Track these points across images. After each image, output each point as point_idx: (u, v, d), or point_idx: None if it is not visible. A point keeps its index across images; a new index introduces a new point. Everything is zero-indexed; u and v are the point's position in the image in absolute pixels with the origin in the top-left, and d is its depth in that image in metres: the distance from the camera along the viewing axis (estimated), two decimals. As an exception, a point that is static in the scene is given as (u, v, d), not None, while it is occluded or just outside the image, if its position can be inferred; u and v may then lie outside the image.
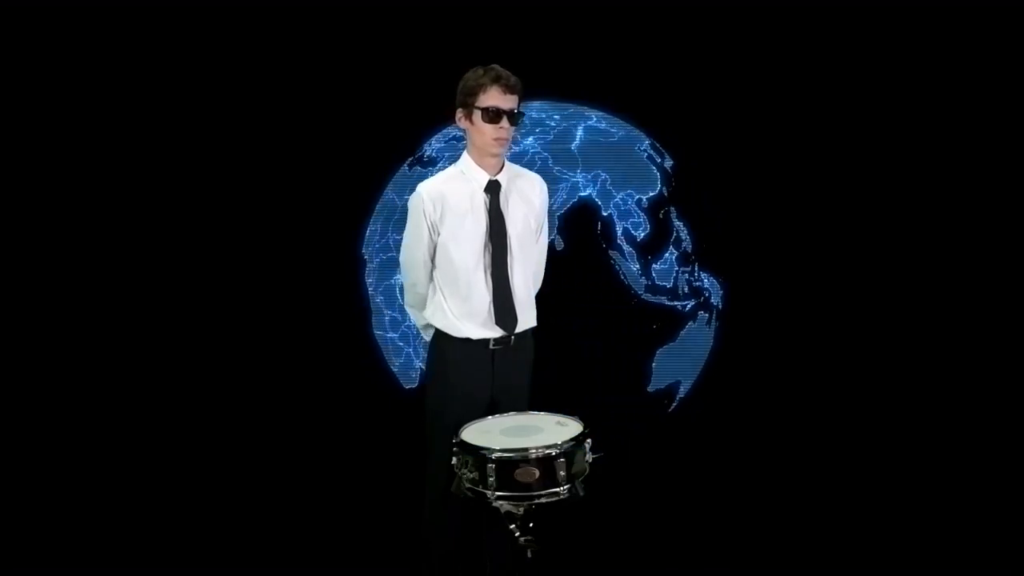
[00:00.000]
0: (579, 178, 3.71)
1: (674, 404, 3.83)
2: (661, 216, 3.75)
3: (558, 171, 3.69)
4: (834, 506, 3.58)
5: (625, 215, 3.73)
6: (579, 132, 3.73)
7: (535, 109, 3.67)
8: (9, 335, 3.70)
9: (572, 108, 3.75)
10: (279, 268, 3.78)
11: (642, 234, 3.74)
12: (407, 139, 3.74)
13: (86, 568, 3.25)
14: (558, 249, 3.62)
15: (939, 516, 3.48)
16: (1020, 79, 3.70)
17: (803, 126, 3.77)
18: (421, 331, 2.84)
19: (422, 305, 2.73)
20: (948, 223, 3.79)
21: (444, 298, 2.64)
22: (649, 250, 3.74)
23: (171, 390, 3.79)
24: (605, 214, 3.72)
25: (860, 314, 3.83)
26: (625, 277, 3.73)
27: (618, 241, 3.73)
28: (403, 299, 2.99)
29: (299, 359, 3.80)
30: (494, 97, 2.52)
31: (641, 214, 3.73)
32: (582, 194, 3.71)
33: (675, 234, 3.76)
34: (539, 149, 3.69)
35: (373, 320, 3.79)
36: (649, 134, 3.78)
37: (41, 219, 3.70)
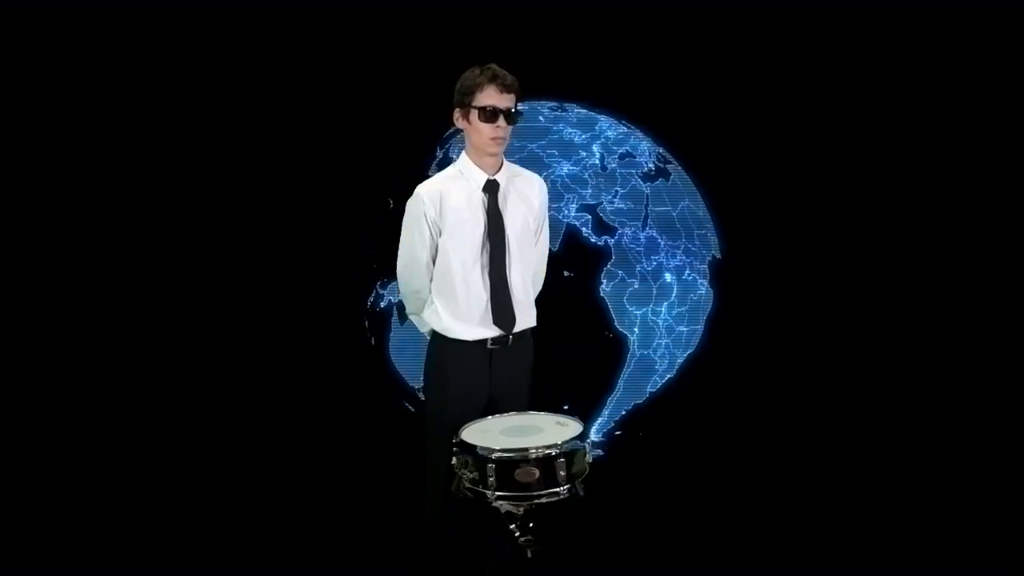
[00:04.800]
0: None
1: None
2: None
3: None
4: (834, 506, 3.58)
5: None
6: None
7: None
8: (9, 335, 3.70)
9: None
10: (279, 268, 3.78)
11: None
12: (407, 140, 3.74)
13: (86, 568, 3.25)
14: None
15: (939, 516, 3.48)
16: (1020, 79, 3.71)
17: (800, 126, 3.77)
18: (426, 336, 2.78)
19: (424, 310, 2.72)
20: (947, 223, 3.80)
21: (441, 298, 2.64)
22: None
23: (171, 390, 3.78)
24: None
25: (858, 315, 3.83)
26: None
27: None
28: (406, 309, 2.83)
29: (299, 359, 3.79)
30: (491, 96, 2.52)
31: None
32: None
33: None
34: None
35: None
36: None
37: (44, 218, 3.70)
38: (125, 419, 3.75)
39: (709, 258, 3.80)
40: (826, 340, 3.84)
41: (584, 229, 3.70)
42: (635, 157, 3.74)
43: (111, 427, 3.75)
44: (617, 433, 3.78)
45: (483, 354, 2.62)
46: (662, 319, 3.74)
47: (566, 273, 3.67)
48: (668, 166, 3.78)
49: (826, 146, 3.80)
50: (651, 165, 3.74)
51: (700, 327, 3.80)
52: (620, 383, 3.77)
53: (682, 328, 3.77)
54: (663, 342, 3.76)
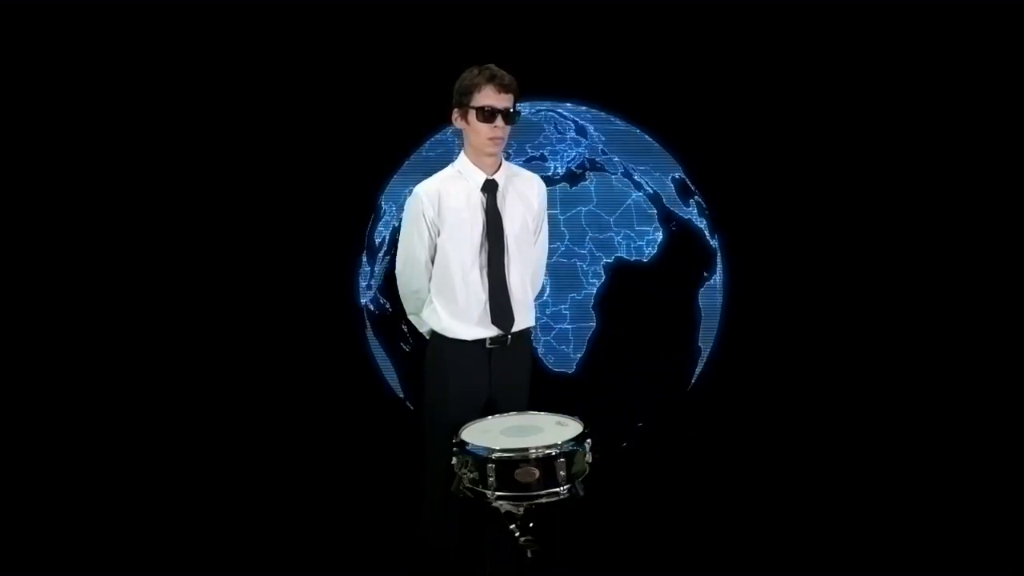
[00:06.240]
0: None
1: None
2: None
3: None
4: (834, 506, 3.58)
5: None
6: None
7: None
8: (4, 334, 3.70)
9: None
10: (277, 268, 3.77)
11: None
12: (406, 140, 3.74)
13: (86, 568, 3.26)
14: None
15: (939, 516, 3.48)
16: (1020, 79, 3.71)
17: (802, 125, 3.77)
18: (426, 336, 2.78)
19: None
20: (948, 223, 3.80)
21: (440, 298, 2.64)
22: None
23: (171, 391, 3.78)
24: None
25: (863, 315, 3.83)
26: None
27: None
28: (406, 309, 2.82)
29: (298, 360, 3.79)
30: (489, 96, 2.53)
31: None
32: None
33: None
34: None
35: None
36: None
37: (42, 218, 3.69)
38: (116, 420, 3.74)
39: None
40: (829, 341, 3.84)
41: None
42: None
43: (112, 430, 3.74)
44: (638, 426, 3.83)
45: (482, 354, 2.62)
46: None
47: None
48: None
49: (822, 145, 3.80)
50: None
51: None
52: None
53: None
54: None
